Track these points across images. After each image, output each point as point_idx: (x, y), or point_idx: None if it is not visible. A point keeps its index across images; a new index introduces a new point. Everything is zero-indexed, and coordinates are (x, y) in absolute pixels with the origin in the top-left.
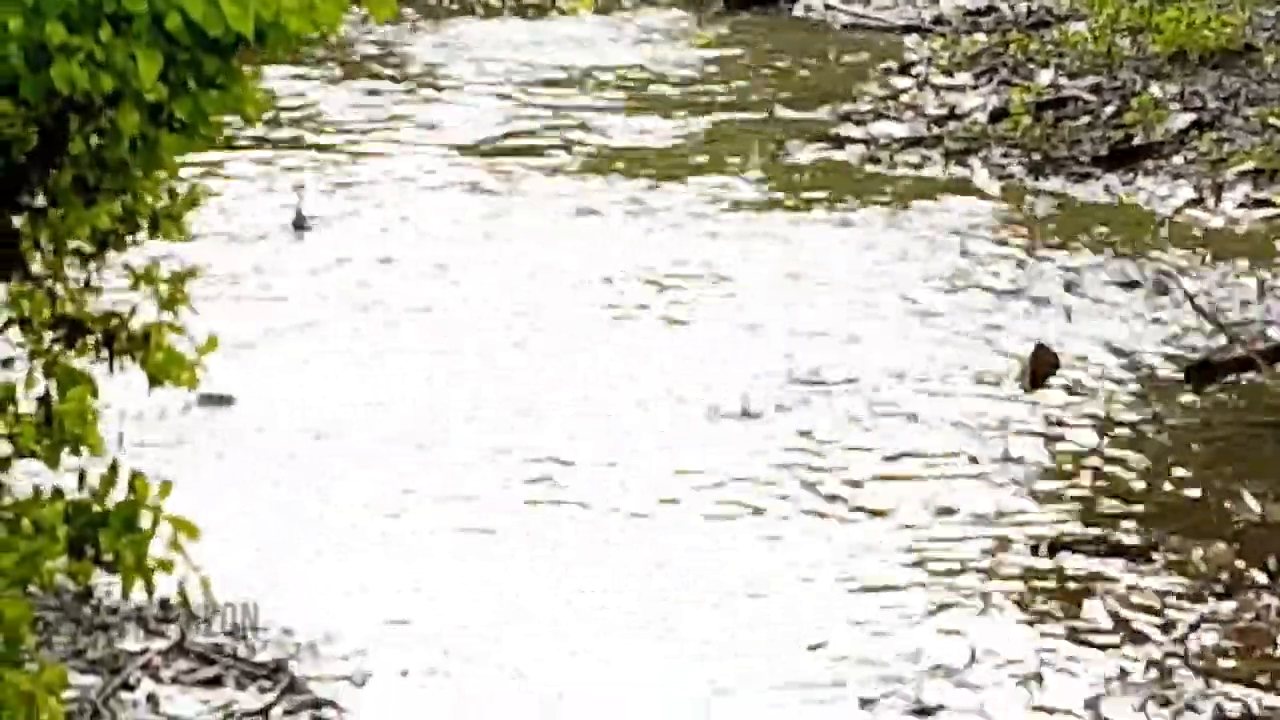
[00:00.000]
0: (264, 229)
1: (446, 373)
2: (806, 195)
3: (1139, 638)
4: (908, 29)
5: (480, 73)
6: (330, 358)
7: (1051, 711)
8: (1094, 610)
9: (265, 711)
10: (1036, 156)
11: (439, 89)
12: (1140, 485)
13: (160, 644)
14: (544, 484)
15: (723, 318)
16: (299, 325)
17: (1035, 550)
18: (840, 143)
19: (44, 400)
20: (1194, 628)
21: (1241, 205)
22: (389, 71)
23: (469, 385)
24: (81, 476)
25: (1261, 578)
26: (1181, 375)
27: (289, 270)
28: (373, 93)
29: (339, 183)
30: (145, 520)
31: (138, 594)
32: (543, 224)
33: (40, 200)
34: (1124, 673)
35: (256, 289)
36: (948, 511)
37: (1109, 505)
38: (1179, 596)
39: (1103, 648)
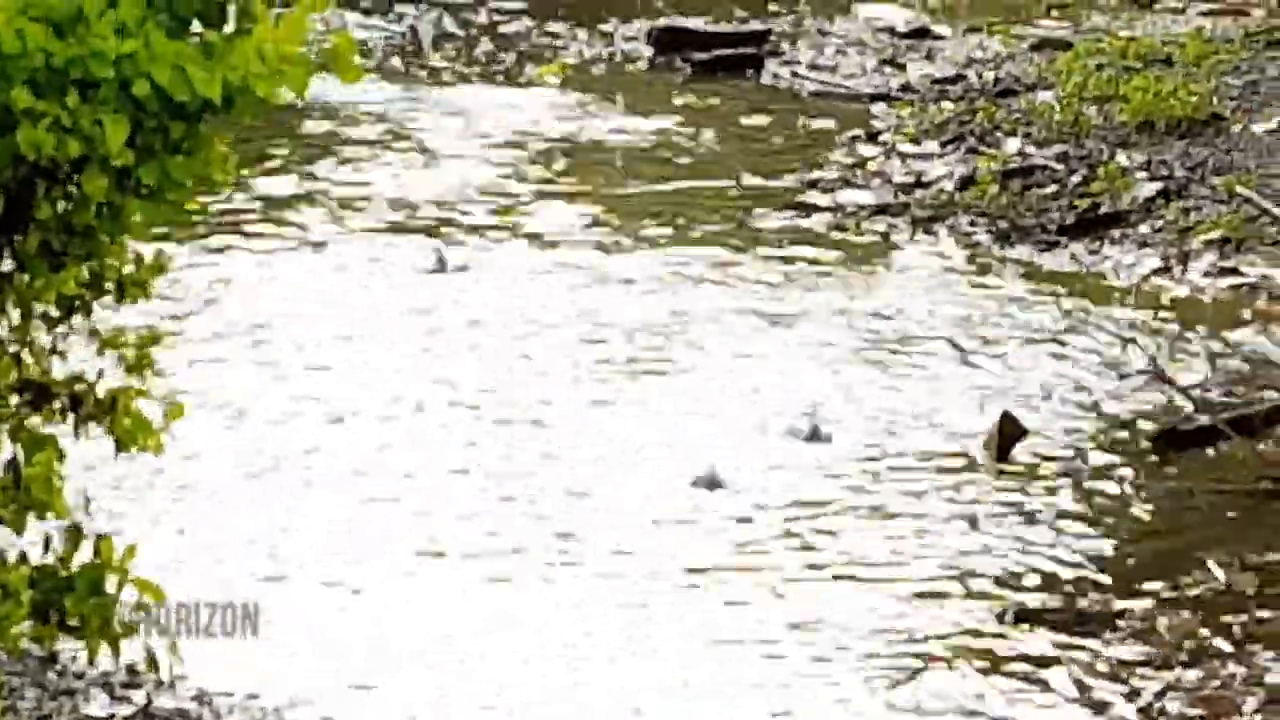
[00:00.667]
0: None
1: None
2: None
3: (1103, 707)
4: (875, 97)
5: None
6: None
7: None
8: (1059, 679)
9: None
10: (1003, 224)
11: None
12: (1105, 553)
13: (126, 710)
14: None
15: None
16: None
17: (1000, 619)
18: (807, 210)
19: (10, 465)
20: (1159, 695)
21: (1208, 274)
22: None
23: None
24: (47, 541)
25: (1227, 646)
26: (1148, 444)
27: None
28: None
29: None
30: (111, 584)
31: (104, 659)
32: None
33: (7, 265)
34: None
35: None
36: (910, 580)
37: (1073, 574)
38: (1144, 665)
39: (1068, 717)
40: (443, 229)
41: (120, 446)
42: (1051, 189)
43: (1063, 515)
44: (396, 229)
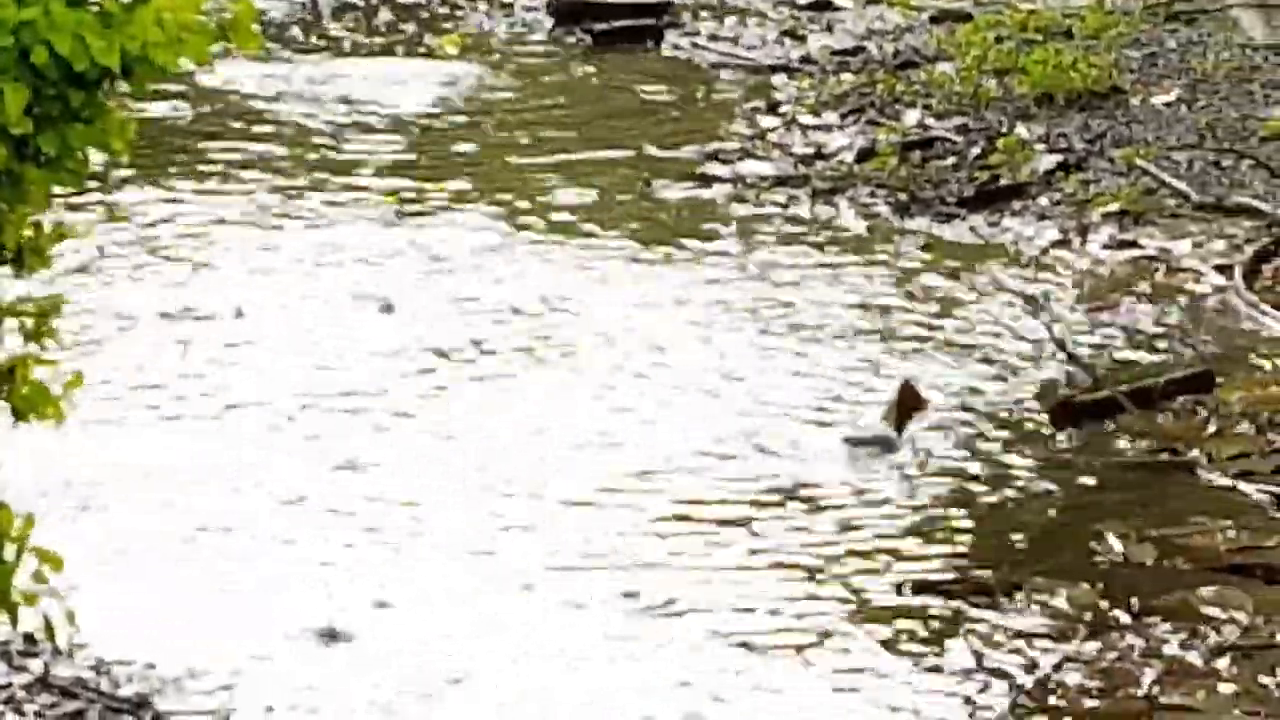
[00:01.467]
0: None
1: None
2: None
3: (1002, 677)
4: (775, 68)
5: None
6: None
7: None
8: (957, 650)
9: None
10: (903, 196)
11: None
12: (1004, 525)
13: (23, 678)
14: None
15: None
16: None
17: (899, 590)
18: (707, 181)
19: None
20: (1057, 667)
21: (1107, 246)
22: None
23: None
24: None
25: (1125, 618)
26: (1046, 416)
27: None
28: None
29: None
30: (9, 553)
31: (2, 627)
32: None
33: None
34: (986, 710)
35: None
36: (811, 547)
37: (972, 545)
38: (1043, 636)
39: (966, 688)
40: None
41: (19, 416)
42: (951, 161)
43: (961, 486)
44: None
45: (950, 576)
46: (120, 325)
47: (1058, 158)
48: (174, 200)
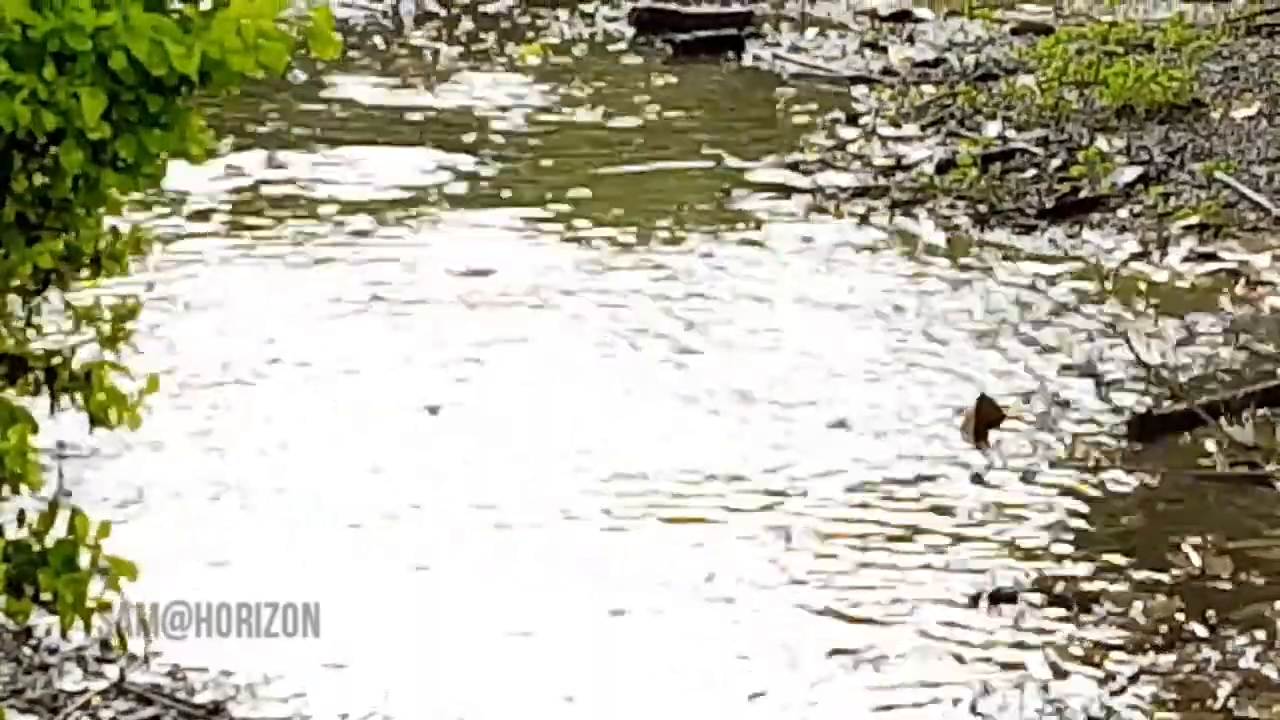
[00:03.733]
0: None
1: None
2: None
3: (1078, 690)
4: (856, 79)
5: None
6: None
7: None
8: (1034, 662)
9: None
10: (983, 208)
11: None
12: (1082, 537)
13: (99, 684)
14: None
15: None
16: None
17: (975, 601)
18: (787, 192)
19: None
20: (1133, 679)
21: (1187, 259)
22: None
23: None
24: (21, 515)
25: (1202, 630)
26: (1124, 429)
27: None
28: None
29: None
30: (84, 559)
31: (77, 633)
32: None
33: None
34: None
35: None
36: (886, 567)
37: (1049, 557)
38: (1119, 648)
39: (1042, 700)
40: (413, 210)
41: (95, 421)
42: (1031, 173)
43: (1038, 499)
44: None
45: (1026, 588)
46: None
47: (1138, 170)
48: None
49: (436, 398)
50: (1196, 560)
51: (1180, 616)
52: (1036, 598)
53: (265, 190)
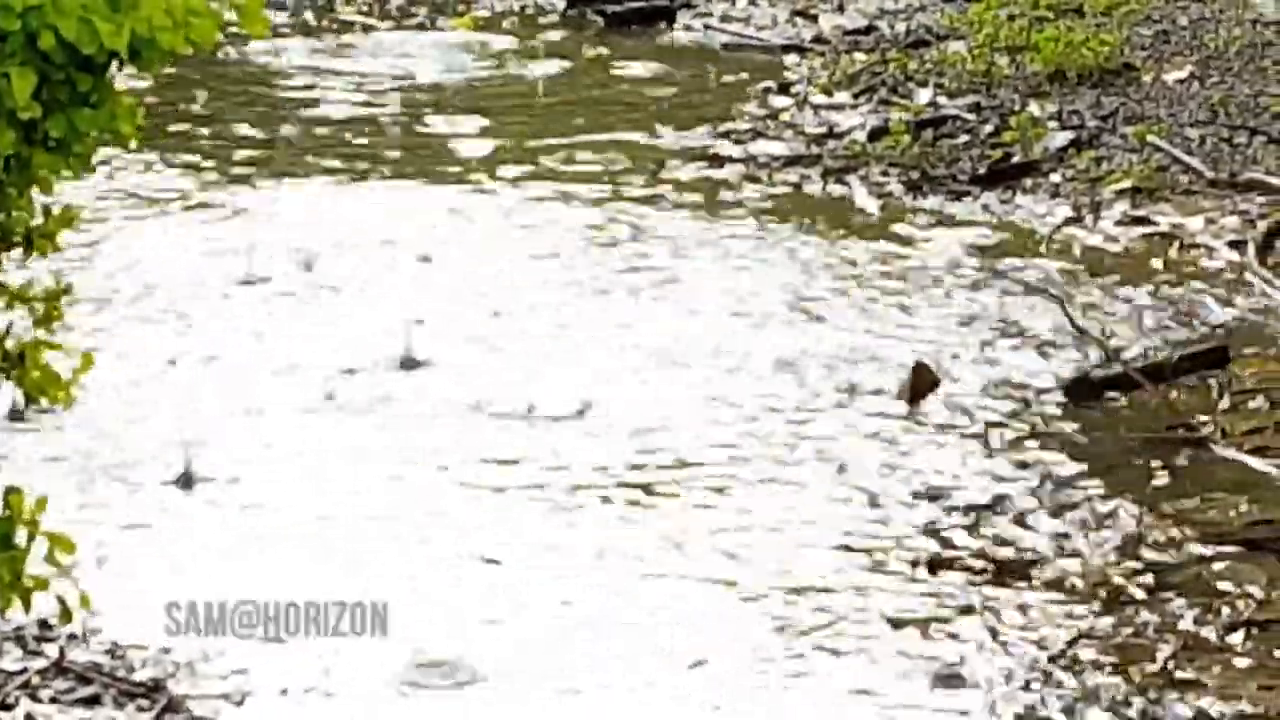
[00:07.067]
0: None
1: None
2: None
3: (1016, 654)
4: (787, 48)
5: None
6: None
7: None
8: (971, 627)
9: None
10: (915, 175)
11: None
12: (1017, 501)
13: (39, 663)
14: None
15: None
16: None
17: (914, 567)
18: (720, 161)
19: None
20: (1072, 643)
21: (1120, 223)
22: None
23: None
24: None
25: (1140, 594)
26: (1060, 392)
27: None
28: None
29: None
30: (21, 537)
31: (16, 613)
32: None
33: None
34: (1003, 685)
35: None
36: (827, 519)
37: (986, 522)
38: (1057, 612)
39: (981, 665)
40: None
41: (30, 399)
42: (964, 139)
43: (975, 463)
44: None
45: (964, 553)
46: None
47: (1070, 135)
48: None
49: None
50: (1134, 523)
51: (1119, 580)
52: (974, 563)
53: None
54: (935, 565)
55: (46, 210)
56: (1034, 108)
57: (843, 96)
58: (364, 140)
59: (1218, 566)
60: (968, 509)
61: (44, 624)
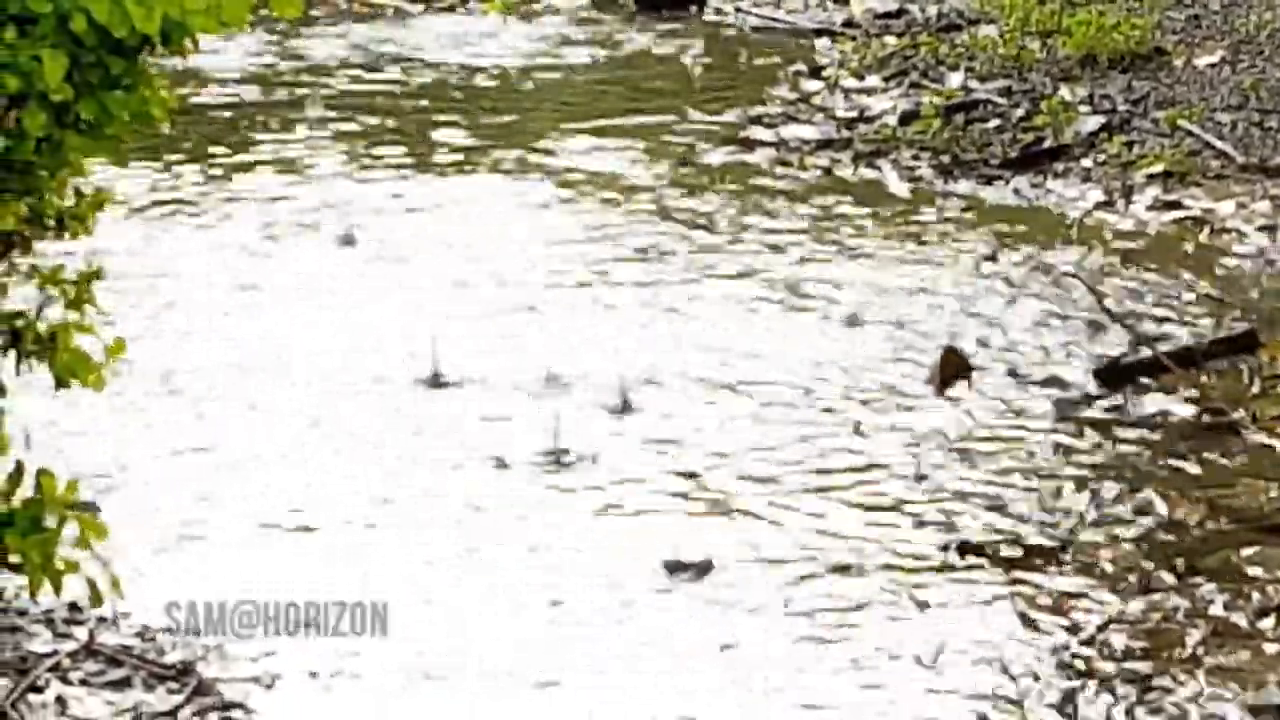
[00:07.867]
0: None
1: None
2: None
3: (1046, 639)
4: (818, 32)
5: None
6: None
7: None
8: (1002, 612)
9: (173, 713)
10: (946, 159)
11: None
12: (1048, 487)
13: (69, 646)
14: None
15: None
16: None
17: (944, 551)
18: (750, 145)
19: None
20: (1102, 628)
21: (1151, 207)
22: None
23: None
24: None
25: (1170, 579)
26: (1090, 377)
27: None
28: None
29: None
30: (52, 520)
31: (46, 595)
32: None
33: None
34: (1036, 669)
35: None
36: (858, 507)
37: (1016, 507)
38: (1087, 598)
39: (1011, 651)
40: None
41: (59, 383)
42: (994, 123)
43: (1005, 449)
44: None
45: (995, 538)
46: None
47: (1101, 119)
48: None
49: None
50: (1164, 508)
51: (1149, 565)
52: (1005, 548)
53: None
54: (965, 550)
55: (78, 192)
56: (1065, 92)
57: (874, 80)
58: (391, 122)
59: (1248, 552)
60: (997, 492)
61: (73, 606)
